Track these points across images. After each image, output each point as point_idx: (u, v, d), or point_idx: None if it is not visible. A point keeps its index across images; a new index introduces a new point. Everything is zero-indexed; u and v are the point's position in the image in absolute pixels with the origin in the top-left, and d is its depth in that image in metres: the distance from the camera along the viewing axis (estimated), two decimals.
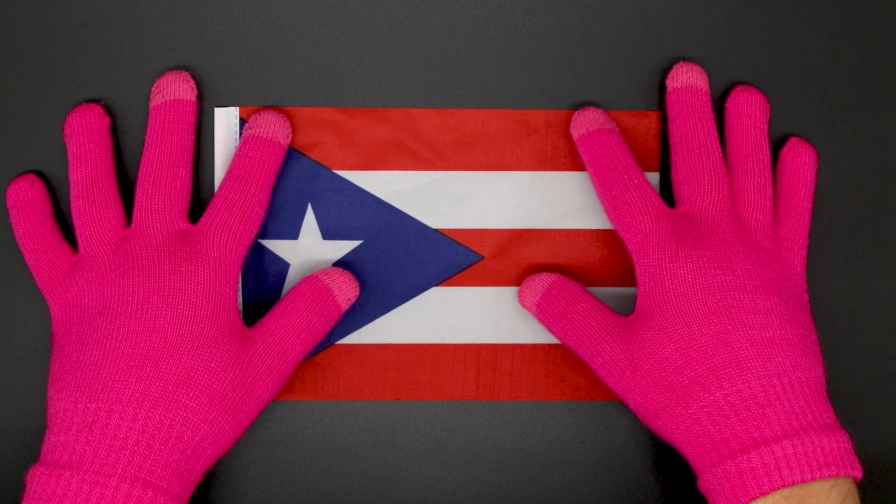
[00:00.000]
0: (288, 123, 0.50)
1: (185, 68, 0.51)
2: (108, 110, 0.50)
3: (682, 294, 0.46)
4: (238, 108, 0.51)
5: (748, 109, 0.50)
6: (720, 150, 0.49)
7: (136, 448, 0.43)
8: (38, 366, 0.51)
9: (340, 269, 0.50)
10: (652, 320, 0.47)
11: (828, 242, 0.52)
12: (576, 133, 0.50)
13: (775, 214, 0.50)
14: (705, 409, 0.45)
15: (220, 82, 0.51)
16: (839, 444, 0.44)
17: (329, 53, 0.51)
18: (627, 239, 0.48)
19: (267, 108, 0.50)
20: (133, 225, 0.48)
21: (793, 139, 0.51)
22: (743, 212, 0.49)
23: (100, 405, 0.44)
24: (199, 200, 0.51)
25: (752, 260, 0.47)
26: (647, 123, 0.51)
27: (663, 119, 0.51)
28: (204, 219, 0.48)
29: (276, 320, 0.48)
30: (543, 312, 0.50)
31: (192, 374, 0.45)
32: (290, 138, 0.50)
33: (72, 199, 0.48)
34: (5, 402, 0.51)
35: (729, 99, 0.51)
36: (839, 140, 0.52)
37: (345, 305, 0.49)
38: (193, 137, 0.49)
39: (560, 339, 0.50)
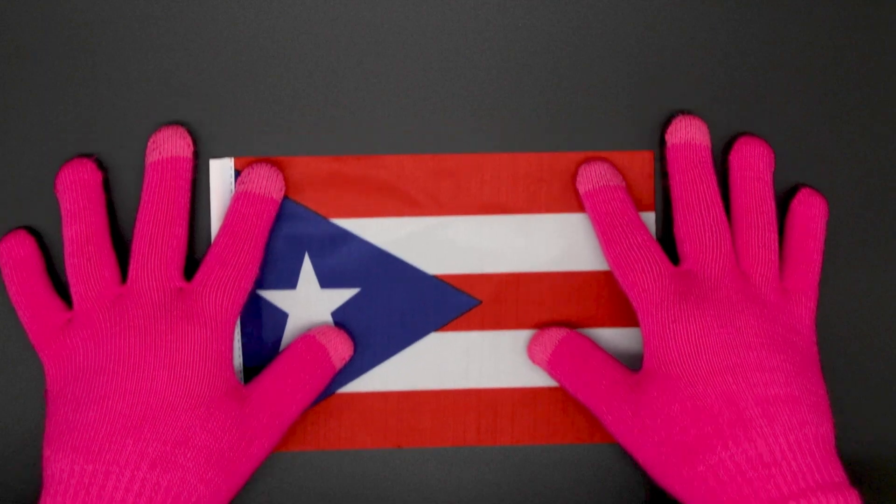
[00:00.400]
0: (280, 177, 0.50)
1: (180, 119, 0.51)
2: (101, 165, 0.50)
3: (687, 354, 0.46)
4: (233, 158, 0.51)
5: (751, 161, 0.50)
6: (721, 206, 0.49)
7: None
8: (38, 366, 0.51)
9: (336, 329, 0.50)
10: (658, 379, 0.47)
11: (828, 243, 0.52)
12: (581, 188, 0.50)
13: (784, 266, 0.50)
14: (712, 470, 0.45)
15: (215, 133, 0.51)
16: (848, 503, 0.43)
17: (323, 103, 0.51)
18: (632, 297, 0.49)
19: (260, 160, 0.50)
20: (129, 283, 0.48)
21: (804, 190, 0.51)
22: (747, 266, 0.49)
23: (97, 467, 0.44)
24: (194, 251, 0.51)
25: (756, 316, 0.47)
26: (642, 163, 0.51)
27: (661, 172, 0.51)
28: (198, 277, 0.48)
29: (271, 380, 0.48)
30: (555, 369, 0.50)
31: (189, 435, 0.45)
32: (283, 192, 0.50)
33: (66, 256, 0.48)
34: (5, 402, 0.51)
35: (732, 151, 0.50)
36: (844, 187, 0.52)
37: (339, 365, 0.50)
38: (189, 194, 0.49)
39: (572, 394, 0.50)
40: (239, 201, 0.49)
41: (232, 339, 0.48)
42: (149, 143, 0.50)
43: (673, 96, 0.51)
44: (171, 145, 0.49)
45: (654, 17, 0.51)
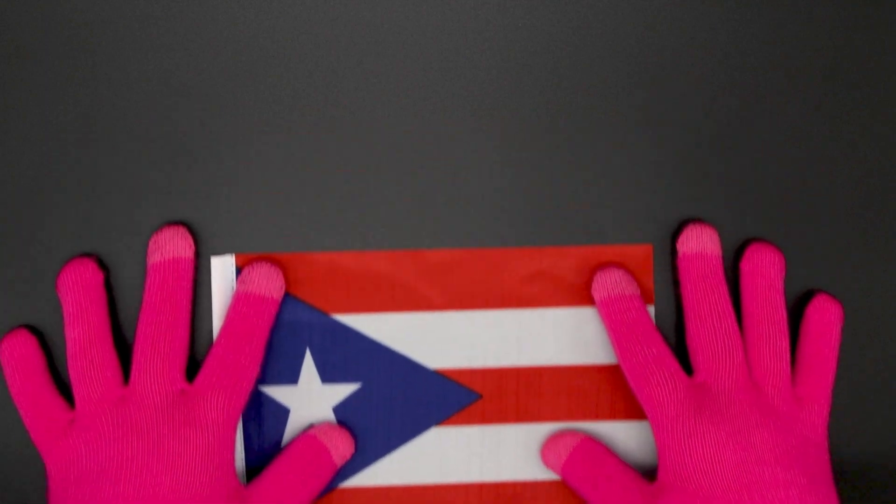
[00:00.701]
0: (280, 276, 0.50)
1: (179, 217, 0.51)
2: (102, 264, 0.50)
3: (703, 471, 0.46)
4: (234, 255, 0.51)
5: (763, 269, 0.50)
6: (734, 317, 0.49)
7: None
8: None
9: (337, 427, 0.50)
10: (674, 493, 0.47)
11: (828, 243, 0.52)
12: (597, 295, 0.50)
13: (797, 372, 0.50)
14: None
15: (216, 230, 0.51)
16: None
17: (323, 102, 0.51)
18: (648, 410, 0.49)
19: (260, 259, 0.51)
20: (131, 385, 0.48)
21: (820, 297, 0.51)
22: (760, 377, 0.49)
23: None
24: (195, 350, 0.51)
25: (770, 429, 0.47)
26: (641, 256, 0.51)
27: (673, 280, 0.51)
28: (200, 379, 0.48)
29: (272, 480, 0.48)
30: (569, 475, 0.50)
31: None
32: (283, 290, 0.50)
33: (69, 357, 0.49)
34: (5, 402, 0.51)
35: (744, 258, 0.50)
36: (844, 187, 0.52)
37: (340, 463, 0.50)
38: (191, 294, 0.50)
39: (586, 500, 0.50)
40: (239, 302, 0.49)
41: (234, 442, 0.48)
42: (150, 243, 0.50)
43: (673, 98, 0.51)
44: (172, 246, 0.49)
45: (654, 16, 0.51)
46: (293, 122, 0.51)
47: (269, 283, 0.50)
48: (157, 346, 0.48)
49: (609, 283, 0.50)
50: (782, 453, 0.47)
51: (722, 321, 0.49)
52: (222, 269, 0.51)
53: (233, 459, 0.48)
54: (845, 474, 0.52)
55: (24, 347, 0.50)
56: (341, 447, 0.50)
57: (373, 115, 0.51)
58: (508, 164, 0.51)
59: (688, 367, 0.52)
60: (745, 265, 0.50)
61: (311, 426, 0.51)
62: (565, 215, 0.51)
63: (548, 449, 0.51)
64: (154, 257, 0.50)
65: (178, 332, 0.48)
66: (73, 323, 0.49)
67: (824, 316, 0.50)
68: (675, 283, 0.51)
